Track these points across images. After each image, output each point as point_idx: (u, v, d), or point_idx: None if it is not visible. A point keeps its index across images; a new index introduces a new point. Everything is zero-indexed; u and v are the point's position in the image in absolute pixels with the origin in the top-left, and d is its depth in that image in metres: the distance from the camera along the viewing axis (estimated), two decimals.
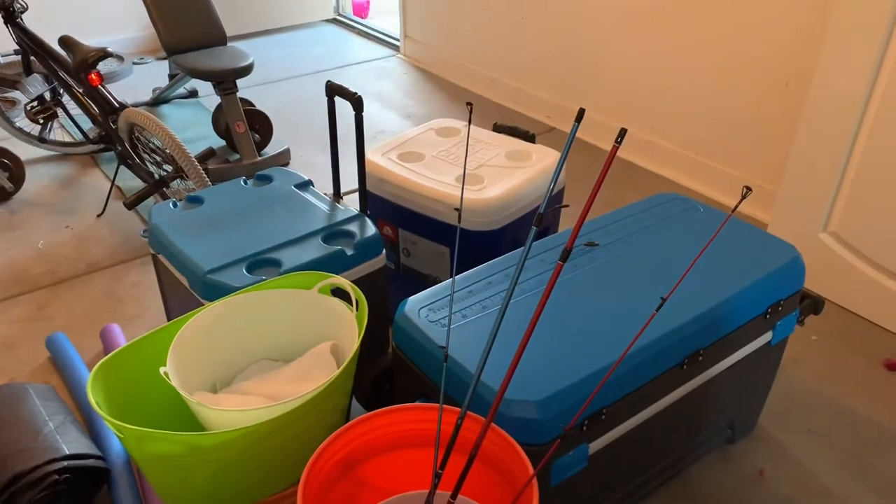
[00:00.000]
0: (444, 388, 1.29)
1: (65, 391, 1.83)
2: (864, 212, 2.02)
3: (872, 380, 1.89)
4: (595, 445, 1.28)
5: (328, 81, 1.66)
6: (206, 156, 2.40)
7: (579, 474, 1.28)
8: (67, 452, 1.49)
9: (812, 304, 1.60)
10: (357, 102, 1.60)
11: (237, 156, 2.83)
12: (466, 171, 1.83)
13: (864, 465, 1.64)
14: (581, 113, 0.92)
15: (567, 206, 0.93)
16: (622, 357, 1.04)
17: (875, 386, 1.87)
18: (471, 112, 0.98)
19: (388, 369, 1.66)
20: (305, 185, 1.80)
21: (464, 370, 1.20)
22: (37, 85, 2.65)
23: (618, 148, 0.83)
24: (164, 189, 2.37)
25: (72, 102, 2.56)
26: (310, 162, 2.99)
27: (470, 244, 1.77)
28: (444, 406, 1.01)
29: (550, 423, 1.19)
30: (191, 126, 3.27)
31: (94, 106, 2.45)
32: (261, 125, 2.98)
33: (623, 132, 0.83)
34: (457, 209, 1.09)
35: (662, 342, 1.30)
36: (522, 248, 1.60)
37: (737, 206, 0.93)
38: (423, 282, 1.90)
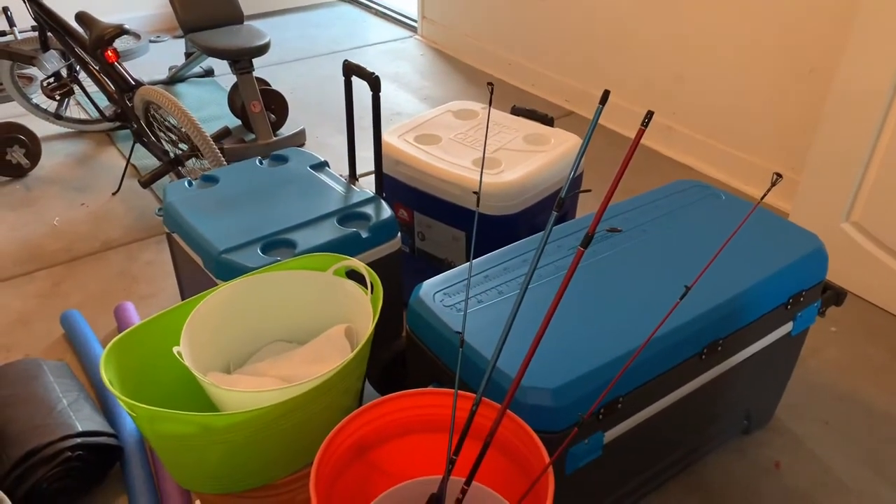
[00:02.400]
0: (459, 374, 1.28)
1: (79, 368, 1.83)
2: (889, 202, 1.98)
3: (893, 373, 1.86)
4: (610, 434, 1.26)
5: (345, 61, 1.64)
6: (222, 135, 2.39)
7: (593, 463, 1.26)
8: (81, 429, 1.49)
9: (834, 296, 1.57)
10: (374, 82, 1.58)
11: (252, 136, 2.82)
12: (482, 155, 1.81)
13: (882, 461, 1.62)
14: (606, 95, 0.89)
15: (589, 190, 0.91)
16: (644, 345, 1.02)
17: (894, 379, 1.84)
18: (491, 92, 0.96)
19: (402, 353, 1.65)
20: (321, 166, 1.78)
21: (479, 356, 1.19)
22: (53, 61, 2.64)
23: (644, 131, 0.80)
24: (179, 168, 2.36)
25: (88, 79, 2.56)
26: (325, 143, 2.97)
27: (486, 228, 1.75)
28: (459, 392, 0.99)
29: (565, 412, 1.17)
30: (206, 105, 3.26)
31: (110, 83, 2.44)
32: (276, 105, 2.96)
33: (650, 115, 0.81)
34: (475, 192, 1.07)
35: (682, 331, 1.28)
36: (540, 233, 1.58)
37: (765, 195, 0.90)
38: (438, 266, 1.88)
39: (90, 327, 1.92)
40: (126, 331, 1.13)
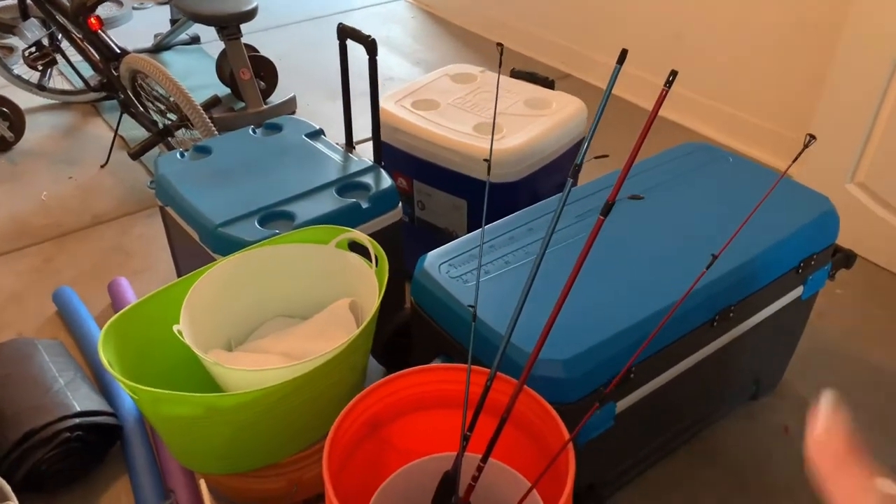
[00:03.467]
0: (466, 346, 1.25)
1: (73, 346, 1.79)
2: (892, 162, 1.95)
3: None
4: (622, 404, 1.24)
5: (340, 24, 1.58)
6: (212, 104, 2.32)
7: (605, 433, 1.24)
8: (79, 409, 1.46)
9: (844, 258, 1.54)
10: (371, 46, 1.53)
11: (242, 104, 2.75)
12: (484, 120, 1.76)
13: (893, 423, 1.61)
14: (623, 54, 0.85)
15: (606, 156, 0.86)
16: (670, 313, 0.99)
17: None
18: (501, 53, 0.91)
19: (404, 325, 1.62)
20: (317, 134, 1.73)
21: (488, 328, 1.16)
22: (34, 30, 2.55)
23: (666, 92, 0.76)
24: (169, 138, 2.30)
25: (71, 48, 2.47)
26: (317, 110, 2.90)
27: (488, 196, 1.70)
28: (473, 367, 0.96)
29: (577, 383, 1.15)
30: (193, 73, 3.17)
31: (94, 52, 2.36)
32: (266, 72, 2.89)
33: (673, 74, 0.76)
34: (486, 160, 1.03)
35: (694, 298, 1.25)
36: (544, 200, 1.54)
37: (795, 160, 0.86)
38: (438, 236, 1.84)
39: (84, 304, 1.88)
40: (123, 310, 1.09)
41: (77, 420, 1.44)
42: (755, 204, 1.45)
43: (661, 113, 0.77)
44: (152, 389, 0.95)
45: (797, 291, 1.47)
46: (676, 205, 1.45)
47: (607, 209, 0.82)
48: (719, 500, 1.46)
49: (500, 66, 0.98)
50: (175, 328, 1.06)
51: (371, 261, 1.21)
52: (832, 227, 1.47)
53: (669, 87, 0.75)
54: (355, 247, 1.28)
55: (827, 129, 2.08)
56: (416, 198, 1.84)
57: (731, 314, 1.34)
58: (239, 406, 0.99)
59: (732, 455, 1.54)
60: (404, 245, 1.66)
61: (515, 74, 2.00)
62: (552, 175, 1.78)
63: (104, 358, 1.00)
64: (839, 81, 2.00)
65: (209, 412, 0.99)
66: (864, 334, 1.85)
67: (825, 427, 0.45)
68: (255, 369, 1.04)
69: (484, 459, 0.90)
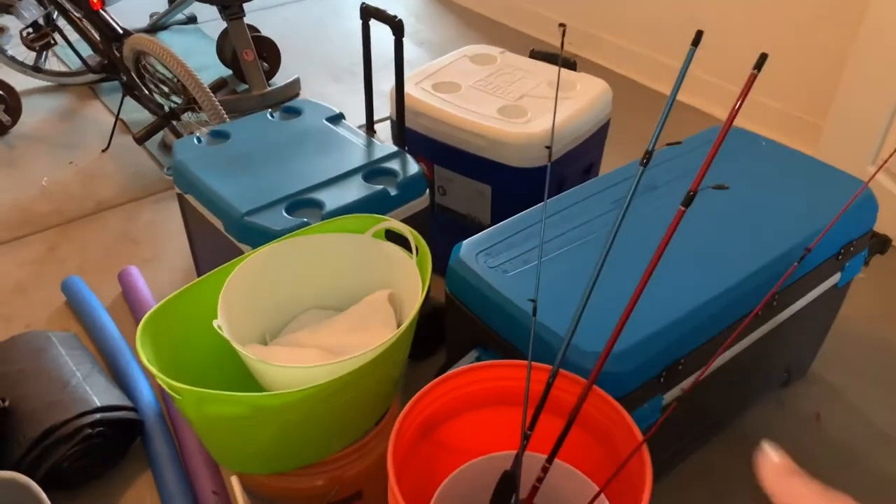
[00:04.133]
0: (507, 338, 1.21)
1: (84, 337, 1.74)
2: None
3: None
4: (668, 396, 1.21)
5: (363, 4, 1.52)
6: (219, 86, 2.26)
7: (648, 427, 1.21)
8: (99, 404, 1.41)
9: (879, 243, 1.52)
10: (397, 26, 1.48)
11: (244, 86, 2.68)
12: (509, 103, 1.71)
13: None
14: (698, 36, 0.80)
15: (679, 143, 0.82)
16: (755, 311, 0.95)
17: None
18: (563, 35, 0.86)
19: (433, 315, 1.58)
20: (337, 118, 1.67)
21: (531, 319, 1.12)
22: (31, 9, 2.46)
23: (755, 76, 0.72)
24: (175, 122, 2.23)
25: (69, 28, 2.39)
26: (321, 92, 2.84)
27: (512, 182, 1.66)
28: (533, 363, 0.92)
29: (628, 377, 1.12)
30: (192, 54, 3.09)
31: (94, 32, 2.28)
32: (269, 53, 2.82)
33: (763, 57, 0.72)
34: (547, 147, 0.98)
35: (738, 290, 1.22)
36: (576, 187, 1.49)
37: (878, 171, 0.82)
38: (461, 223, 1.80)
39: (94, 294, 1.82)
40: (158, 305, 1.04)
41: (98, 416, 1.40)
42: (793, 189, 1.42)
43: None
44: (197, 389, 0.91)
45: (834, 279, 1.45)
46: (717, 194, 1.42)
47: (689, 200, 0.78)
48: (751, 486, 1.44)
49: (561, 48, 0.93)
50: (215, 323, 1.02)
51: (409, 251, 1.17)
52: (871, 212, 1.44)
53: (759, 70, 0.71)
54: (390, 236, 1.24)
55: (848, 111, 2.05)
56: (436, 183, 1.79)
57: (775, 302, 1.31)
58: (285, 405, 0.95)
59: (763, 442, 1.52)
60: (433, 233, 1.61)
61: (535, 55, 1.96)
62: (579, 159, 1.74)
63: (143, 356, 0.96)
64: (861, 63, 1.97)
65: (255, 412, 0.94)
66: (889, 319, 1.83)
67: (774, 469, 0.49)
68: (301, 366, 1.00)
69: (550, 459, 0.87)
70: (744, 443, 1.52)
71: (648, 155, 0.84)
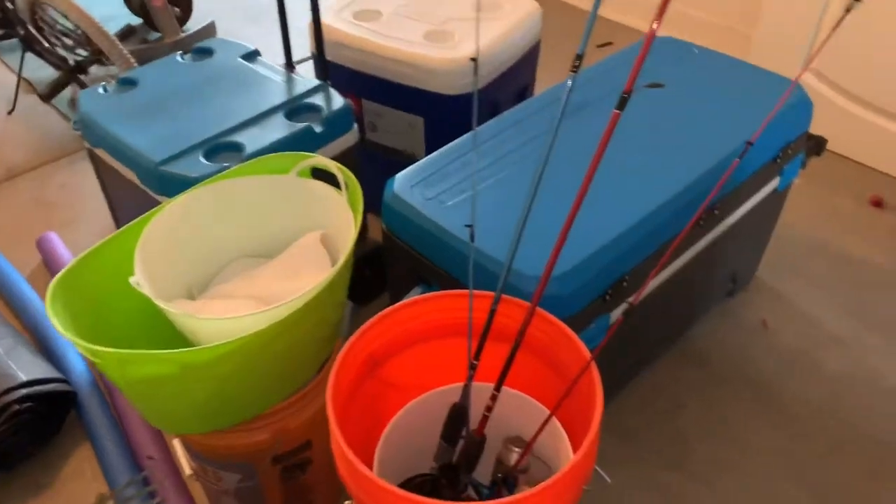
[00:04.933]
0: (449, 271, 1.17)
1: (7, 312, 1.63)
2: (847, 46, 1.92)
3: (861, 219, 1.85)
4: (615, 315, 1.19)
5: None
6: (126, 34, 2.12)
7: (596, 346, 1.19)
8: (24, 379, 1.33)
9: (816, 145, 1.51)
10: None
11: (157, 34, 2.52)
12: (434, 27, 1.63)
13: (865, 307, 1.62)
14: None
15: (610, 43, 0.77)
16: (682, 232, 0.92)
17: (864, 225, 1.84)
18: None
19: (371, 256, 1.53)
20: (253, 55, 1.57)
21: (476, 249, 1.07)
22: None
23: None
24: (81, 76, 2.08)
25: None
26: (239, 35, 2.66)
27: (444, 112, 1.59)
28: (475, 291, 0.88)
29: (572, 298, 1.09)
30: (96, 3, 2.88)
31: None
32: None
33: None
34: (473, 59, 0.92)
35: (680, 199, 1.20)
36: (509, 111, 1.44)
37: (802, 72, 0.79)
38: (395, 158, 1.73)
39: (11, 265, 1.71)
40: (69, 265, 0.96)
41: (24, 391, 1.32)
42: (727, 95, 1.40)
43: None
44: (118, 350, 0.84)
45: (774, 183, 1.44)
46: (650, 104, 1.38)
47: (623, 102, 0.73)
48: (702, 399, 1.45)
49: None
50: (131, 280, 0.94)
51: (339, 188, 1.10)
52: (806, 113, 1.43)
53: None
54: (318, 175, 1.17)
55: (778, 17, 2.03)
56: (366, 118, 1.71)
57: (716, 211, 1.29)
58: (217, 359, 0.89)
59: (712, 353, 1.53)
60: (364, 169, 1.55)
61: None
62: (511, 83, 1.68)
63: (54, 320, 0.88)
64: None
65: (184, 369, 0.88)
66: (828, 223, 1.85)
67: None
68: (230, 317, 0.94)
69: (497, 387, 0.83)
70: (693, 357, 1.53)
71: (579, 60, 0.79)
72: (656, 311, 1.34)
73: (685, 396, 1.46)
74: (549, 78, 1.54)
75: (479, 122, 1.38)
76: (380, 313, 0.88)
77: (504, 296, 0.88)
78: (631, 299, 1.19)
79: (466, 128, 1.34)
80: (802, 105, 1.41)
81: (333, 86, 1.65)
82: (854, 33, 1.88)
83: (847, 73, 1.95)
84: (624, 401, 1.44)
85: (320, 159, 1.11)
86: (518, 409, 0.89)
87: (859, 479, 1.31)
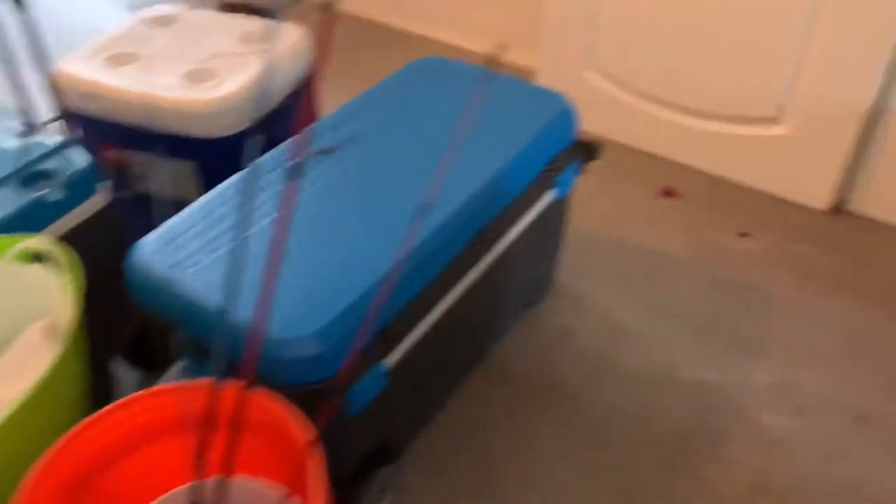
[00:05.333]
0: (207, 342, 1.08)
1: None
2: (627, 44, 1.98)
3: (653, 210, 1.91)
4: (391, 359, 1.14)
5: None
6: None
7: (383, 392, 1.14)
8: None
9: (590, 150, 1.52)
10: None
11: None
12: (195, 66, 1.54)
13: (663, 299, 1.66)
14: None
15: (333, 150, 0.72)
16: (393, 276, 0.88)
17: (657, 216, 1.90)
18: None
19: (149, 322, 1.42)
20: None
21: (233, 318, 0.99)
22: None
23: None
24: None
25: None
26: None
27: (215, 155, 1.50)
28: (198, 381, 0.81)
29: (332, 355, 1.03)
30: None
31: None
32: None
33: None
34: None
35: (443, 232, 1.16)
36: (269, 153, 1.36)
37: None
38: (174, 210, 1.62)
39: None
40: None
41: None
42: (489, 113, 1.38)
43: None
44: None
45: (551, 194, 1.44)
46: (407, 137, 1.35)
47: (295, 173, 0.68)
48: (507, 414, 1.44)
49: None
50: None
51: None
52: (571, 124, 1.44)
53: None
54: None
55: (560, 18, 2.07)
56: (135, 170, 1.59)
57: (490, 233, 1.27)
58: None
59: (518, 366, 1.53)
60: (138, 227, 1.42)
61: (226, 7, 1.77)
62: (285, 118, 1.61)
63: None
64: None
65: None
66: (623, 217, 1.90)
67: None
68: None
69: (222, 484, 0.77)
70: (498, 374, 1.52)
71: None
72: (446, 341, 1.31)
73: (495, 416, 1.44)
74: (343, 93, 1.48)
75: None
76: (81, 422, 0.79)
77: (232, 379, 0.81)
78: (407, 342, 1.16)
79: (238, 168, 1.26)
80: (566, 116, 1.42)
81: (94, 140, 1.52)
82: (633, 30, 1.95)
83: (628, 68, 2.01)
84: (435, 432, 1.41)
85: (30, 242, 1.00)
86: (254, 497, 0.82)
87: (660, 475, 1.33)
